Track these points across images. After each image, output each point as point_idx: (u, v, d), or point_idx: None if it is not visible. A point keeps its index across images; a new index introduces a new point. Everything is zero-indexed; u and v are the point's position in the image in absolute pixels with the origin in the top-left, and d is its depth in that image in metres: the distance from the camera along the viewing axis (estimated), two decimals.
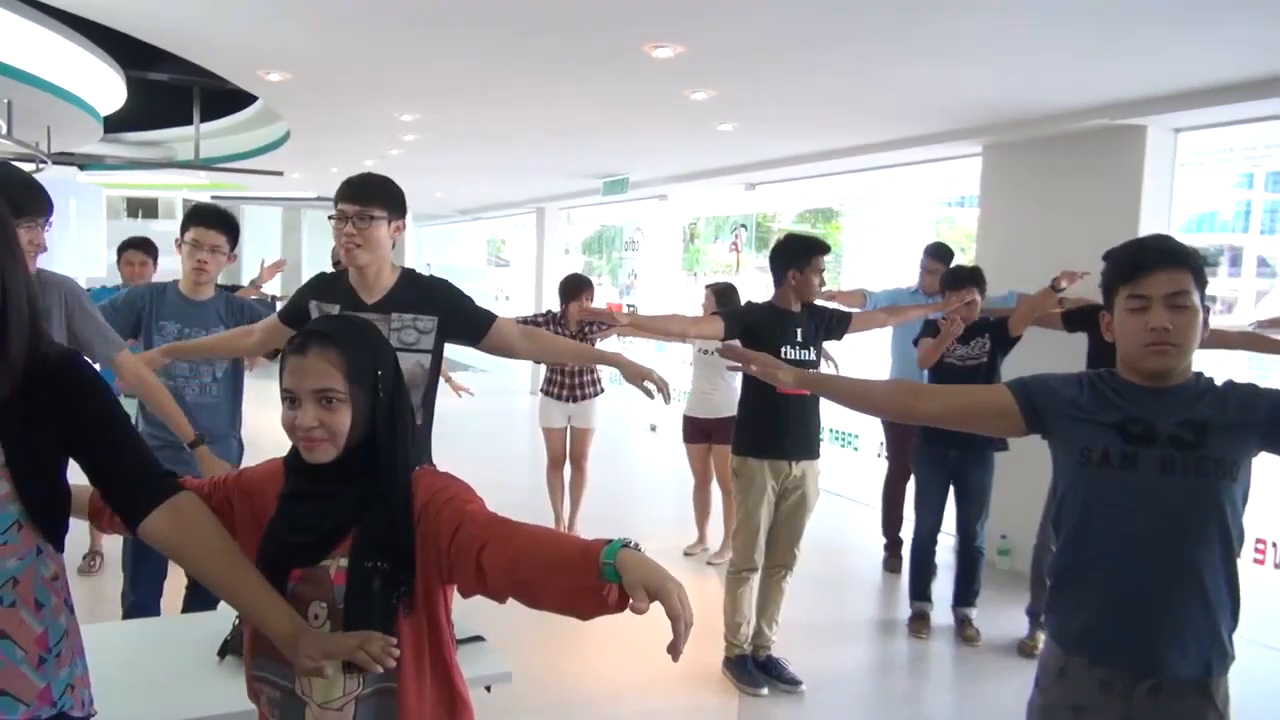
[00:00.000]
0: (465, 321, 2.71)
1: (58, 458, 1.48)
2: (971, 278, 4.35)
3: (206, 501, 1.56)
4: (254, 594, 1.47)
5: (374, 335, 1.61)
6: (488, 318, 2.74)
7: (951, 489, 4.44)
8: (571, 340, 3.00)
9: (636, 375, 2.75)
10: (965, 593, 4.49)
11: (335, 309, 2.65)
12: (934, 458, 4.39)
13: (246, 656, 1.61)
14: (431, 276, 2.78)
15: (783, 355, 3.69)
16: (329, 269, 4.19)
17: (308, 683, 1.51)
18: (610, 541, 1.30)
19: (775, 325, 3.74)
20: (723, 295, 5.33)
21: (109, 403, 1.53)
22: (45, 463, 1.46)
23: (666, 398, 2.76)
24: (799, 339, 3.74)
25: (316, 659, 1.42)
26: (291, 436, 1.51)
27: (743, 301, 4.74)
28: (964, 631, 4.45)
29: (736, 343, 3.46)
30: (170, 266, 3.71)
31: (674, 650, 1.23)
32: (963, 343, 4.31)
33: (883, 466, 5.85)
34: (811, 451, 3.80)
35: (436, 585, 1.53)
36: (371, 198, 2.58)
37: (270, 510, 1.55)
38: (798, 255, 3.77)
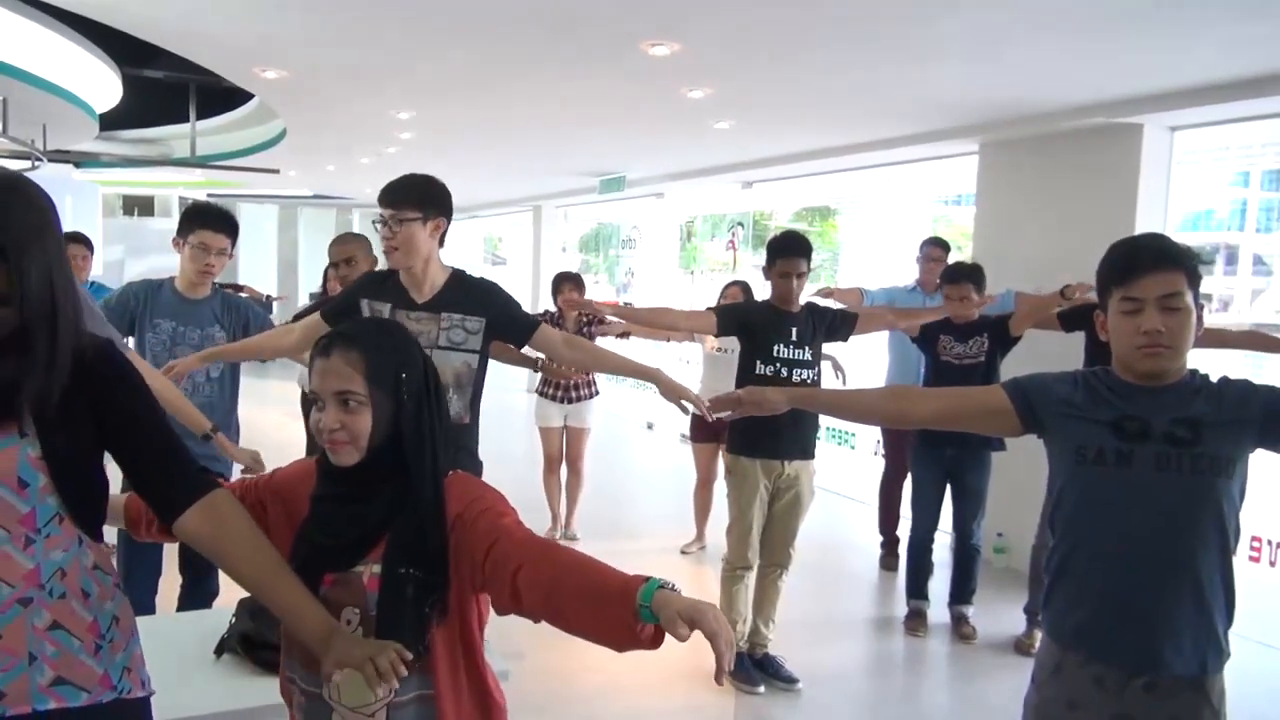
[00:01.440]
0: (512, 325, 2.82)
1: (95, 450, 1.47)
2: (970, 275, 4.34)
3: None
4: (290, 594, 1.47)
5: (400, 338, 1.59)
6: (533, 324, 2.84)
7: (948, 488, 4.44)
8: (615, 353, 3.02)
9: (673, 393, 2.77)
10: (961, 590, 4.50)
11: (386, 308, 2.69)
12: (931, 457, 4.39)
13: (283, 656, 1.61)
14: (481, 278, 2.83)
15: (775, 353, 3.69)
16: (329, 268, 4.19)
17: (335, 687, 1.49)
18: (648, 580, 1.30)
19: (770, 323, 3.73)
20: (747, 290, 5.34)
21: (144, 395, 1.51)
22: (82, 456, 1.45)
23: (707, 415, 2.72)
24: (794, 338, 3.72)
25: (331, 665, 1.42)
26: (319, 439, 1.51)
27: (756, 299, 4.71)
28: (960, 629, 4.45)
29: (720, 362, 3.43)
30: (164, 264, 3.70)
31: (719, 668, 1.24)
32: (961, 342, 4.31)
33: (879, 465, 5.85)
34: (805, 452, 3.79)
35: (469, 594, 1.51)
36: (402, 200, 2.62)
37: (303, 511, 1.54)
38: (768, 255, 3.78)
